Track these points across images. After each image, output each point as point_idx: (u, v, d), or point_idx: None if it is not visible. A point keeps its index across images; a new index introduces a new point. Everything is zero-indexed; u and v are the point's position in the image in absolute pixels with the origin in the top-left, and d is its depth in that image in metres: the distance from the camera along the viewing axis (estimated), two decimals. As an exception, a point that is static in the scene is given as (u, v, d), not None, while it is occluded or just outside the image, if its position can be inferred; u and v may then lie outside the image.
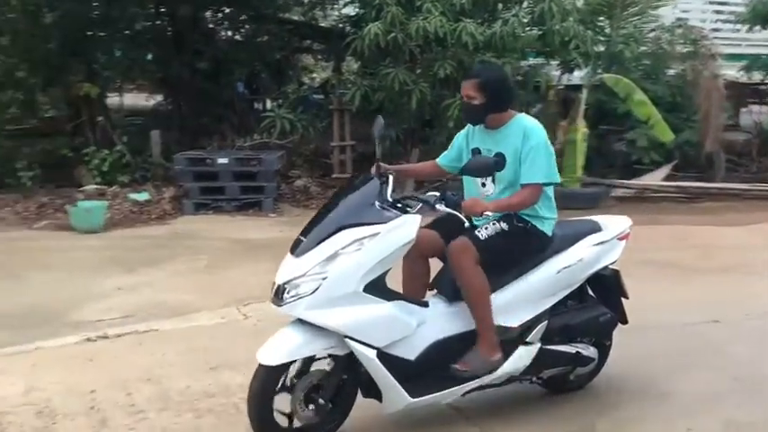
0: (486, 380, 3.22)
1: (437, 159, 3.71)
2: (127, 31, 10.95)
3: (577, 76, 10.37)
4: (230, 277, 6.08)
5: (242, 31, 12.35)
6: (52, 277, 6.02)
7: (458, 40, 8.17)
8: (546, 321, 3.36)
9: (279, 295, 2.91)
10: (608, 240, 3.53)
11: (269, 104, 11.69)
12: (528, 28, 9.06)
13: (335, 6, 11.80)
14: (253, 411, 2.96)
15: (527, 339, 3.31)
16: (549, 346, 3.40)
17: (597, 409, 3.65)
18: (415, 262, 3.32)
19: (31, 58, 9.66)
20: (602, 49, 9.79)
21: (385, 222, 2.95)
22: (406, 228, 2.99)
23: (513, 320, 3.26)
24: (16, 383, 3.88)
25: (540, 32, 9.06)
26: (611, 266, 3.61)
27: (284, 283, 2.90)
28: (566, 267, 3.36)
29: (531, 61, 10.07)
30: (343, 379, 3.07)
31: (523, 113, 3.41)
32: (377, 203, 3.03)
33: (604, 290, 3.64)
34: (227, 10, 11.87)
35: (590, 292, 3.66)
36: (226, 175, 8.82)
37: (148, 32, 11.25)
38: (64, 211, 8.07)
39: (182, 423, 3.46)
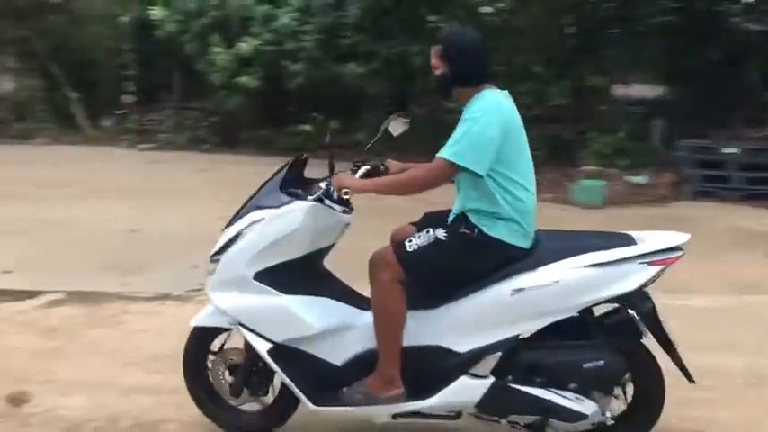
0: (412, 406, 2.59)
1: None
2: (639, 27, 11.33)
3: None
4: (725, 263, 5.74)
5: (763, 21, 11.42)
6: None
7: None
8: (500, 353, 2.53)
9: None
10: (617, 261, 2.50)
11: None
12: None
13: None
14: (184, 368, 2.89)
15: (471, 371, 2.54)
16: (513, 385, 2.56)
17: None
18: None
19: (546, 55, 10.84)
20: None
21: (275, 207, 2.63)
22: (292, 215, 2.60)
23: (460, 345, 2.57)
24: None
25: None
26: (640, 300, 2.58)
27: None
28: (524, 289, 2.50)
29: None
30: (258, 366, 2.79)
31: (493, 89, 2.59)
32: (280, 188, 2.69)
33: (616, 331, 2.63)
34: (749, 0, 11.19)
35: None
36: (732, 164, 8.64)
37: (661, 27, 11.40)
38: (565, 187, 8.76)
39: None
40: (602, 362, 2.53)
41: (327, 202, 2.63)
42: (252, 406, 2.87)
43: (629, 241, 2.58)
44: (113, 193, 8.40)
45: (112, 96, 14.75)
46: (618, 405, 2.65)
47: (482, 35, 2.66)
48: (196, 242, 6.12)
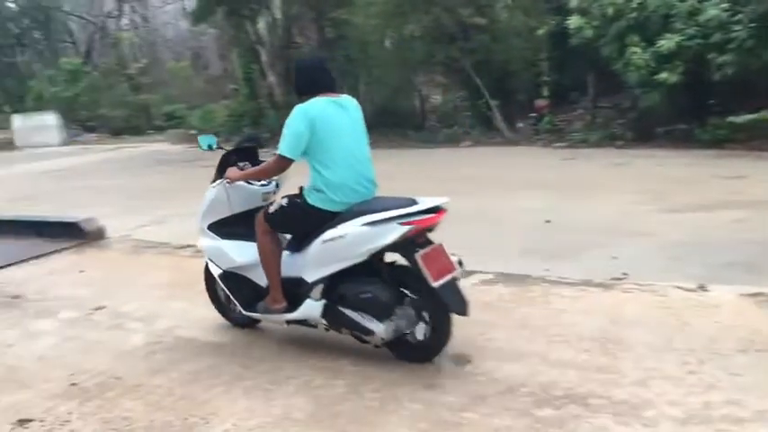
0: (288, 317, 3.74)
1: None
2: None
3: None
4: None
5: None
6: None
7: None
8: (322, 285, 3.57)
9: None
10: (379, 222, 3.33)
11: None
12: None
13: None
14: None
15: (311, 295, 3.59)
16: (338, 307, 3.54)
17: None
18: None
19: None
20: None
21: (211, 183, 4.09)
22: (212, 190, 4.07)
23: (308, 277, 3.63)
24: None
25: None
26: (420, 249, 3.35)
27: None
28: (328, 240, 3.46)
29: None
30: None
31: (322, 97, 3.55)
32: (224, 166, 4.06)
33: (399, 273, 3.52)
34: None
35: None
36: None
37: None
38: None
39: None
40: (369, 294, 3.42)
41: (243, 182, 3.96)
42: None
43: (409, 204, 3.36)
44: (530, 188, 8.87)
45: (527, 101, 15.65)
46: (425, 329, 3.51)
47: (320, 60, 3.88)
48: (613, 233, 6.12)
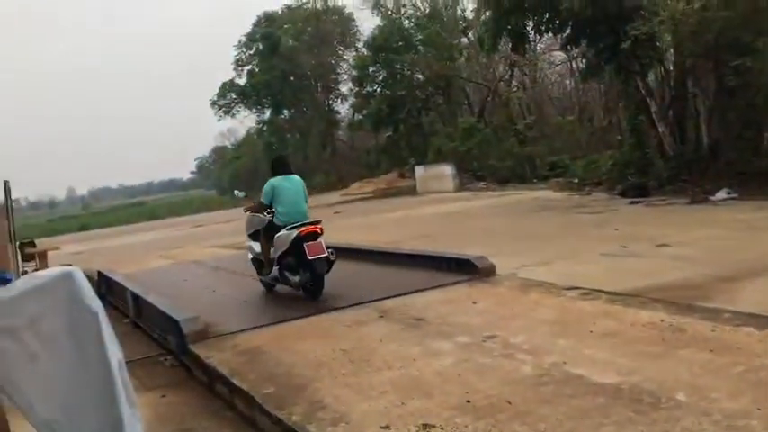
0: (268, 278, 8.01)
1: None
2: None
3: None
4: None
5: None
6: None
7: None
8: (276, 260, 7.63)
9: None
10: (291, 229, 7.50)
11: None
12: None
13: None
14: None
15: (273, 266, 7.72)
16: (282, 270, 7.55)
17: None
18: None
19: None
20: None
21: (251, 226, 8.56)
22: (246, 216, 8.73)
23: (274, 256, 7.75)
24: None
25: None
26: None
27: None
28: (278, 236, 7.65)
29: None
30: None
31: (281, 177, 7.86)
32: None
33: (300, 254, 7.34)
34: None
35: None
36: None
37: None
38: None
39: None
40: (291, 263, 7.41)
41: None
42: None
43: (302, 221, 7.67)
44: None
45: None
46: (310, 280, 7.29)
47: (283, 158, 8.71)
48: None
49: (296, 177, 7.93)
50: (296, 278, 7.34)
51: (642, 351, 4.51)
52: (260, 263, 8.15)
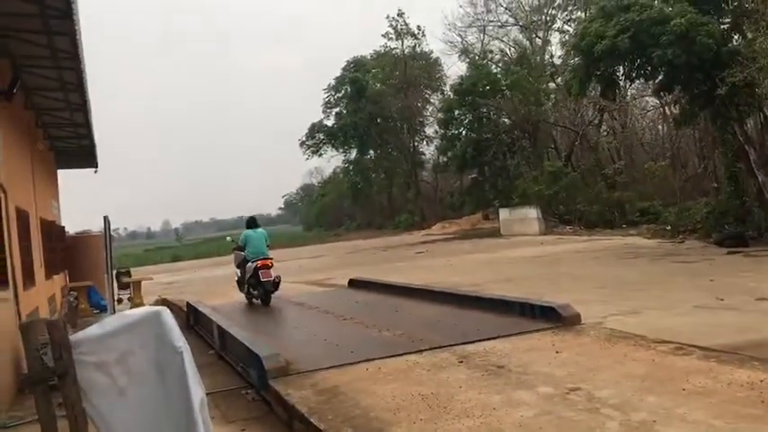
0: (243, 293, 12.89)
1: None
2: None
3: None
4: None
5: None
6: None
7: None
8: (246, 280, 12.43)
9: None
10: (252, 261, 12.25)
11: None
12: None
13: None
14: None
15: (245, 284, 12.56)
16: (248, 288, 12.31)
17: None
18: None
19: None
20: None
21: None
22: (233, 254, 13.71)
23: (245, 278, 12.42)
24: None
25: None
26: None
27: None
28: (247, 265, 12.31)
29: None
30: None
31: (253, 229, 12.59)
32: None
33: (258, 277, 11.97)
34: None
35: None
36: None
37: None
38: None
39: None
40: (253, 282, 12.16)
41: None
42: None
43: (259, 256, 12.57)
44: None
45: None
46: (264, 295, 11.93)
47: (253, 219, 13.02)
48: None
49: (261, 230, 12.70)
50: (255, 293, 12.08)
51: (740, 413, 4.23)
52: (240, 283, 12.70)
